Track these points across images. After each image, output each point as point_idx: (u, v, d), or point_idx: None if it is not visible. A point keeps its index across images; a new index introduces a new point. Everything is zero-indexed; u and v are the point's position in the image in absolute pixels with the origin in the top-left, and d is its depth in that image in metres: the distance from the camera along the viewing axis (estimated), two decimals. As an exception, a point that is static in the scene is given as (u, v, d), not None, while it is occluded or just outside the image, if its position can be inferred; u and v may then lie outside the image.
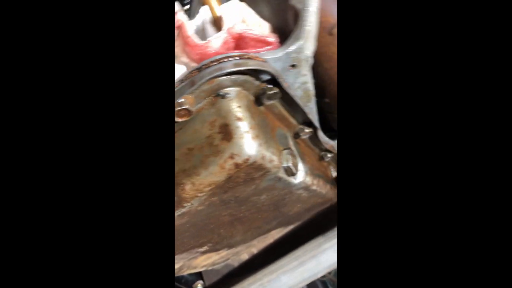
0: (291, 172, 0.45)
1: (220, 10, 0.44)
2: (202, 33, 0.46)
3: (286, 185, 0.48)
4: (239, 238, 0.64)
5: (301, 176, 0.50)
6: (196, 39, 0.36)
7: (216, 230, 0.53)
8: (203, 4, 0.44)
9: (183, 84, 0.34)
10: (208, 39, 0.37)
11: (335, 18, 0.45)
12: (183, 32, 0.36)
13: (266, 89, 0.39)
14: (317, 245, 0.79)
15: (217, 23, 0.45)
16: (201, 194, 0.37)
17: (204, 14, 0.45)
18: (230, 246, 0.67)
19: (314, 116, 0.54)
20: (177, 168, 0.37)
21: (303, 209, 0.69)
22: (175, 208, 0.38)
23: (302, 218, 0.77)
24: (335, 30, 0.45)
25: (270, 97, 0.40)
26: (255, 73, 0.37)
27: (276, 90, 0.40)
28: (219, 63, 0.34)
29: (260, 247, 0.94)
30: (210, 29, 0.45)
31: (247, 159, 0.35)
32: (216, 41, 0.37)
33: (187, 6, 0.50)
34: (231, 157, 0.35)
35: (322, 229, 0.81)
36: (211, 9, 0.45)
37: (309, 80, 0.45)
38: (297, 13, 0.39)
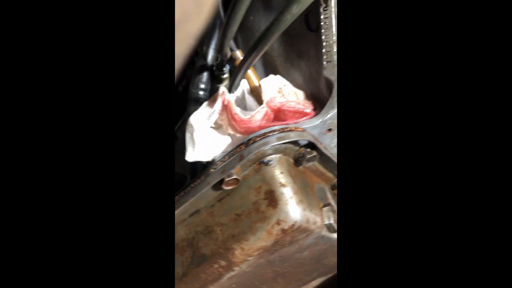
0: (333, 229, 0.46)
1: (257, 82, 0.49)
2: (242, 102, 0.51)
3: (328, 240, 0.49)
4: (280, 291, 0.63)
5: (341, 230, 0.51)
6: (241, 115, 0.41)
7: (259, 286, 0.54)
8: (244, 78, 0.50)
9: (233, 157, 0.38)
10: (251, 113, 0.42)
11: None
12: (230, 110, 0.41)
13: (305, 153, 0.42)
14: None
15: (255, 93, 0.50)
16: (250, 258, 0.39)
17: (244, 85, 0.51)
18: (271, 299, 0.66)
19: (349, 169, 0.56)
20: (226, 233, 0.40)
21: (343, 258, 0.67)
22: (225, 272, 0.40)
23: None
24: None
25: (309, 160, 0.43)
26: (294, 141, 0.41)
27: (314, 153, 0.43)
28: (264, 137, 0.37)
29: (300, 296, 0.91)
30: (249, 99, 0.50)
31: (293, 225, 0.37)
32: (258, 115, 0.41)
33: (226, 75, 0.56)
34: (278, 223, 0.37)
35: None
36: (250, 81, 0.50)
37: (344, 139, 0.48)
38: (329, 82, 0.43)
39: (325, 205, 0.48)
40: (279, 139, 0.37)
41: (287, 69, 0.50)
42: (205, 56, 0.57)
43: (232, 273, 0.40)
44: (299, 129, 0.40)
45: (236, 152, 0.38)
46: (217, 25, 0.56)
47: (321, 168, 0.50)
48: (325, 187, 0.53)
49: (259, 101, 0.50)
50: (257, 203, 0.39)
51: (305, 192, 0.42)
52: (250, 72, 0.51)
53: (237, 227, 0.39)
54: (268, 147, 0.37)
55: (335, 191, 0.58)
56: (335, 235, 0.49)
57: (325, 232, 0.45)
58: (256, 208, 0.38)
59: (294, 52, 0.48)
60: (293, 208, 0.37)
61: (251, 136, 0.38)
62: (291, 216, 0.37)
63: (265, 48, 0.38)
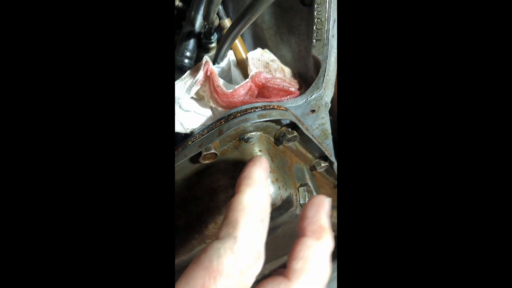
0: (307, 209, 0.47)
1: (245, 54, 0.48)
2: (227, 74, 0.50)
3: (302, 220, 0.50)
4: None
5: (316, 210, 0.52)
6: (224, 88, 0.39)
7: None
8: (231, 49, 0.48)
9: (211, 132, 0.37)
10: (235, 87, 0.40)
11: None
12: (212, 81, 0.39)
13: (286, 132, 0.42)
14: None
15: (241, 66, 0.48)
16: (223, 232, 0.39)
17: (231, 57, 0.48)
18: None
19: (331, 151, 0.56)
20: (201, 206, 0.40)
21: (316, 236, 0.70)
22: (198, 244, 0.40)
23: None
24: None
25: (289, 140, 0.43)
26: (277, 120, 0.40)
27: (295, 133, 0.42)
28: (245, 114, 0.36)
29: (271, 268, 0.95)
30: (235, 71, 0.48)
31: (267, 202, 0.37)
32: (241, 90, 0.40)
33: (213, 44, 0.54)
34: (252, 200, 0.37)
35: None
36: (237, 53, 0.48)
37: (327, 121, 0.47)
38: (317, 62, 0.42)
39: (301, 185, 0.48)
40: (260, 116, 0.36)
41: (276, 43, 0.48)
42: (192, 22, 0.54)
43: (204, 246, 0.40)
44: (281, 108, 0.39)
45: (216, 126, 0.37)
46: (207, -12, 0.53)
47: (301, 149, 0.50)
48: (304, 168, 0.54)
49: (245, 75, 0.48)
50: (234, 179, 0.38)
51: (283, 171, 0.42)
52: (238, 43, 0.49)
53: (212, 201, 0.39)
54: (248, 123, 0.36)
55: (314, 172, 0.58)
56: (309, 215, 0.50)
57: (299, 211, 0.46)
58: (232, 184, 0.38)
59: (285, 26, 0.46)
60: (268, 186, 0.37)
61: (232, 111, 0.37)
62: (265, 194, 0.37)
63: (253, 19, 0.36)
